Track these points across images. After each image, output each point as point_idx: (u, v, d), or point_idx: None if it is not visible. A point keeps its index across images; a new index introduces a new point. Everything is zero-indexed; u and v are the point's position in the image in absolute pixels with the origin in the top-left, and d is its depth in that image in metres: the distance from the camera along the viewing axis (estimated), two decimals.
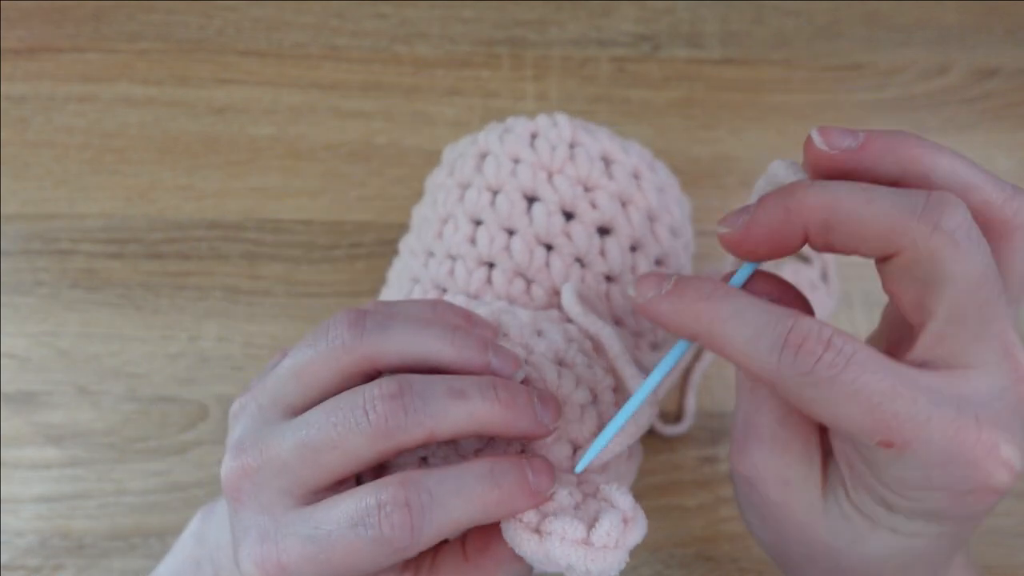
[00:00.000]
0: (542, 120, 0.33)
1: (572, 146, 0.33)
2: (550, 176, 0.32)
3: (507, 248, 0.32)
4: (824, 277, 0.46)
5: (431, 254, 0.34)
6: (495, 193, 0.32)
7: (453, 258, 0.33)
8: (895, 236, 0.20)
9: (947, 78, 0.51)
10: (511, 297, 0.32)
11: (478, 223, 0.32)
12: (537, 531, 0.23)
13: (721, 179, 0.48)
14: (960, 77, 0.51)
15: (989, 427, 0.20)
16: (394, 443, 0.22)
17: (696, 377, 0.44)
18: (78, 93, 0.50)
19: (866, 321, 0.45)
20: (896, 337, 0.24)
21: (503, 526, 0.24)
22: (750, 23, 0.52)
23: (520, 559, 0.24)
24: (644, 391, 0.25)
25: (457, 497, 0.22)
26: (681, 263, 0.35)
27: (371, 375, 0.24)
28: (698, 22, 0.52)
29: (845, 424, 0.20)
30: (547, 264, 0.31)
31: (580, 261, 0.32)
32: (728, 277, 0.24)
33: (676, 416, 0.43)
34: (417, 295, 0.34)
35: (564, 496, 0.24)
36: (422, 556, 0.26)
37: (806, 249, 0.47)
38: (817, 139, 0.22)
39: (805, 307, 0.24)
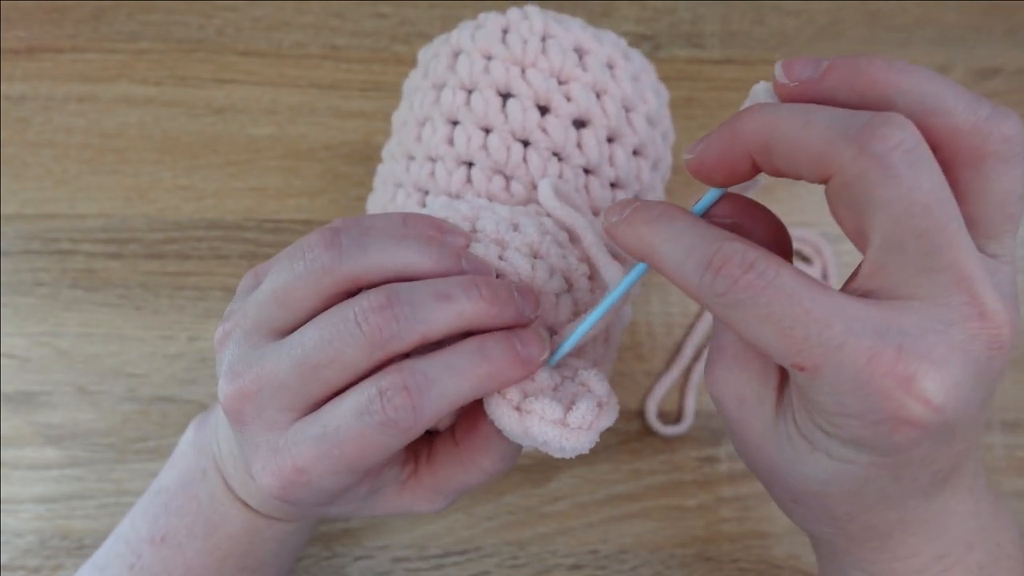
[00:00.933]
0: (513, 13, 0.34)
1: (544, 39, 0.33)
2: (523, 71, 0.32)
3: (484, 146, 0.32)
4: (824, 276, 0.46)
5: (411, 157, 0.35)
6: (469, 92, 0.32)
7: (433, 160, 0.34)
8: (826, 159, 0.20)
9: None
10: (491, 195, 0.32)
11: (455, 123, 0.33)
12: (518, 409, 0.24)
13: None
14: (960, 77, 0.51)
15: (910, 359, 0.19)
16: (389, 351, 0.23)
17: (696, 378, 0.44)
18: (78, 93, 0.50)
19: None
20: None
21: (487, 403, 0.25)
22: (750, 23, 0.52)
23: (503, 438, 0.25)
24: (609, 300, 0.26)
25: (451, 374, 0.23)
26: (659, 152, 0.35)
27: (352, 292, 0.24)
28: (698, 22, 0.52)
29: (763, 346, 0.20)
30: (525, 160, 0.32)
31: (557, 155, 0.32)
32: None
33: (676, 416, 0.43)
34: (400, 199, 0.35)
35: (544, 377, 0.25)
36: (419, 448, 0.28)
37: (806, 248, 0.47)
38: (779, 73, 0.22)
39: (774, 228, 0.24)
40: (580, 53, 0.33)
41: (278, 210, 0.47)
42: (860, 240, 0.21)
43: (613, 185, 0.34)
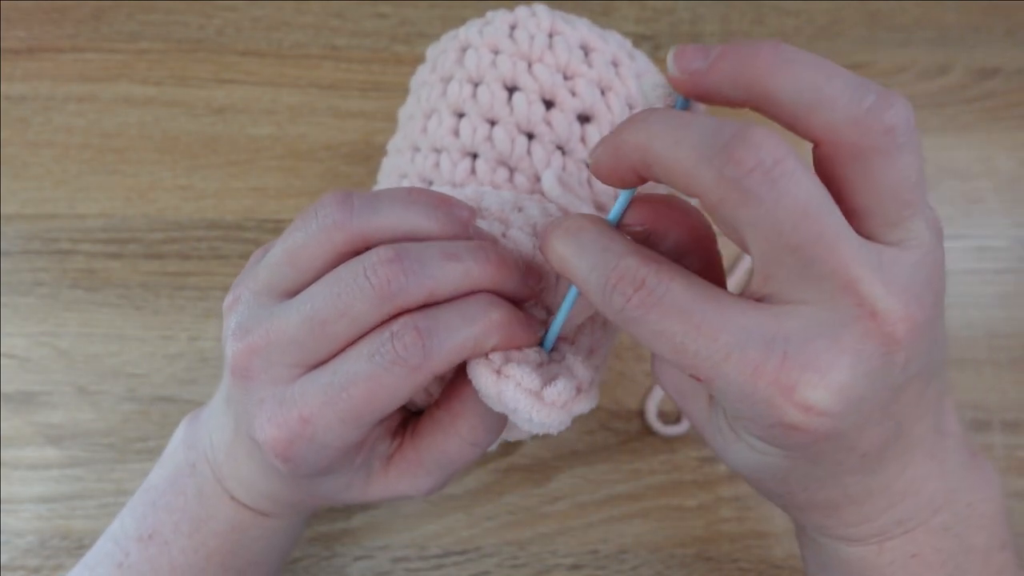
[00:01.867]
0: (521, 11, 0.34)
1: (551, 35, 0.33)
2: (530, 65, 0.33)
3: (489, 138, 0.32)
4: None
5: (416, 149, 0.35)
6: (476, 85, 0.33)
7: (438, 151, 0.34)
8: (692, 182, 0.20)
9: (947, 78, 0.51)
10: (495, 186, 0.33)
11: (460, 115, 0.33)
12: (498, 372, 0.25)
13: None
14: (960, 77, 0.51)
15: (792, 368, 0.19)
16: (397, 304, 0.23)
17: None
18: (78, 93, 0.50)
19: None
20: None
21: (469, 364, 0.25)
22: (750, 23, 0.52)
23: (482, 403, 0.25)
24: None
25: (462, 319, 0.24)
26: None
27: (361, 253, 0.24)
28: (698, 22, 0.52)
29: (665, 358, 0.21)
30: (529, 152, 0.32)
31: (561, 148, 0.33)
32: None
33: (676, 416, 0.43)
34: None
35: (532, 353, 0.26)
36: (404, 425, 0.28)
37: None
38: (670, 62, 0.21)
39: (691, 227, 0.24)
40: (586, 50, 0.34)
41: (278, 210, 0.47)
42: (745, 250, 0.21)
43: None
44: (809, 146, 0.21)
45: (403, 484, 0.28)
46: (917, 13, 0.52)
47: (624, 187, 0.23)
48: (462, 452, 0.27)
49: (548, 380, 0.25)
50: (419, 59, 0.39)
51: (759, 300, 0.21)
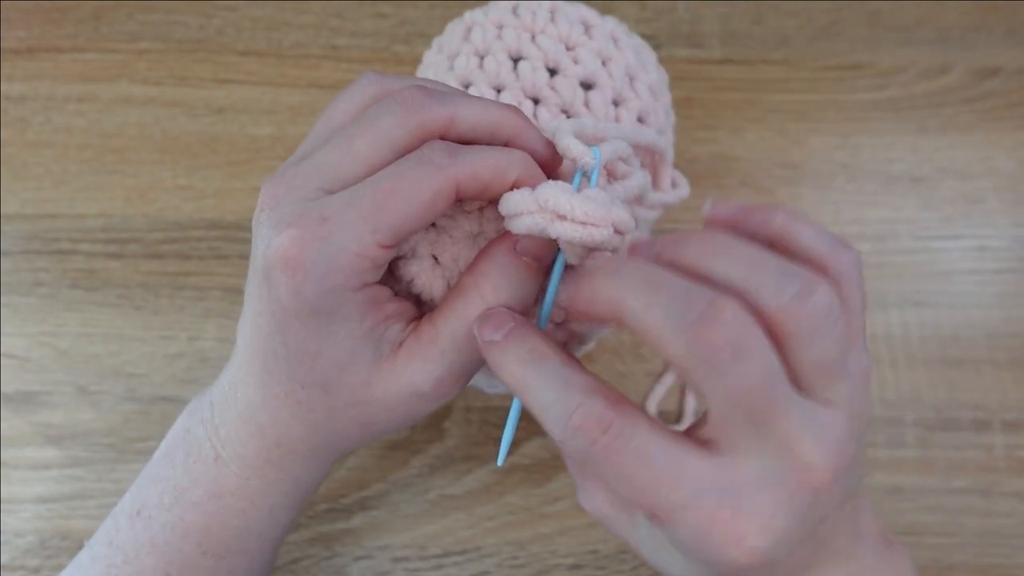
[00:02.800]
0: None
1: (552, 12, 0.35)
2: (533, 37, 0.34)
3: None
4: None
5: None
6: (482, 57, 0.34)
7: None
8: (662, 346, 0.22)
9: (948, 78, 0.51)
10: None
11: (467, 85, 0.34)
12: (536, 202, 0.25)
13: (721, 179, 0.48)
14: (960, 77, 0.51)
15: (741, 519, 0.22)
16: (420, 119, 0.24)
17: None
18: (78, 93, 0.50)
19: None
20: None
21: (504, 196, 0.25)
22: (750, 23, 0.52)
23: (513, 265, 0.26)
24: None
25: (487, 150, 0.25)
26: (662, 124, 0.37)
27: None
28: (698, 22, 0.52)
29: (622, 495, 0.23)
30: (535, 116, 0.33)
31: (566, 113, 0.34)
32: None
33: (676, 416, 0.43)
34: None
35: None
36: (420, 316, 0.28)
37: None
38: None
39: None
40: (586, 26, 0.35)
41: None
42: (703, 401, 0.23)
43: None
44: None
45: (411, 370, 0.26)
46: (917, 13, 0.52)
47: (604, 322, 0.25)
48: (478, 313, 0.26)
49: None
50: (419, 59, 0.39)
51: (706, 442, 0.23)
